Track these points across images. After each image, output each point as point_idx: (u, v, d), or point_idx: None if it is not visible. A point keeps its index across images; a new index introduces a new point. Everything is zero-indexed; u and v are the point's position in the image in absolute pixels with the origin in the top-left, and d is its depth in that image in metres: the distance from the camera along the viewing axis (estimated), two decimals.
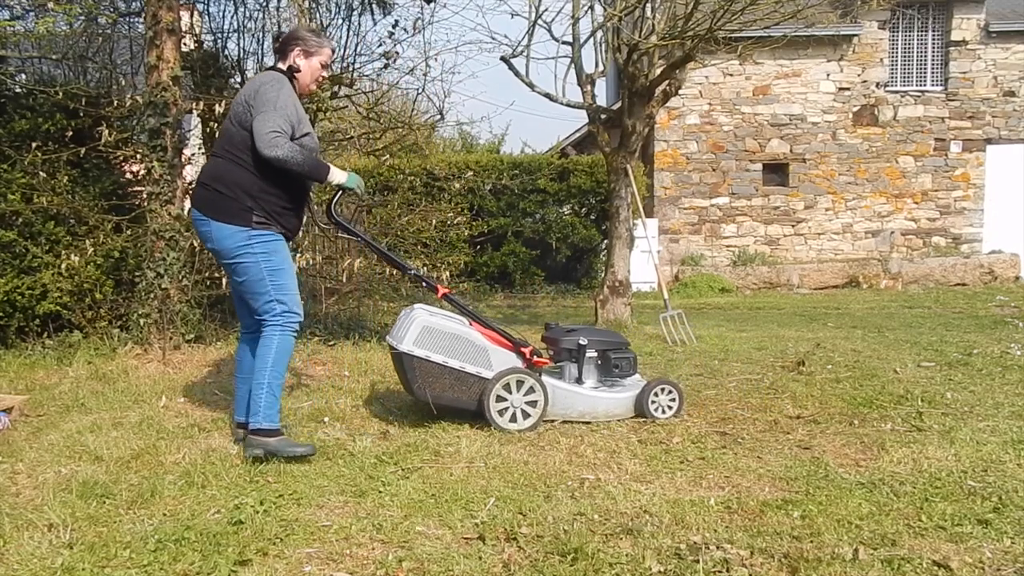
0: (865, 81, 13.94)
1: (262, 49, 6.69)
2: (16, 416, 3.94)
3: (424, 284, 3.83)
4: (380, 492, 2.80)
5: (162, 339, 5.18)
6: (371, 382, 4.60)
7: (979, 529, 2.43)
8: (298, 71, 3.31)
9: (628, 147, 7.43)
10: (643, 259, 10.63)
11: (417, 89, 6.92)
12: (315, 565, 2.24)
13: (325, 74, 3.47)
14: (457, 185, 10.58)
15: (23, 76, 6.59)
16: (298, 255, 6.30)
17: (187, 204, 5.98)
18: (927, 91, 14.05)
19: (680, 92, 8.30)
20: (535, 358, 3.74)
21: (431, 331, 3.54)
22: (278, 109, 3.10)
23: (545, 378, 3.70)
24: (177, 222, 5.41)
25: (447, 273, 6.79)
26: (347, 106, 7.00)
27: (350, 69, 6.50)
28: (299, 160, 3.12)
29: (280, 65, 3.35)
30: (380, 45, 6.61)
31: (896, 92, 14.03)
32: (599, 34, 7.63)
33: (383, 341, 5.47)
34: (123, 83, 6.64)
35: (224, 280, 5.74)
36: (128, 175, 6.36)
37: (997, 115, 14.02)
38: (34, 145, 5.54)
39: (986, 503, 2.63)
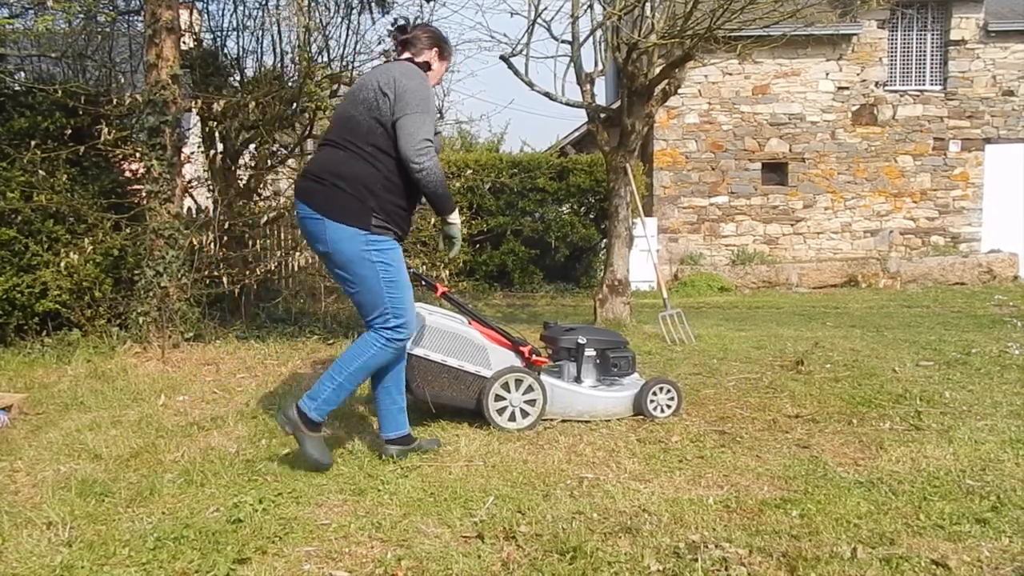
0: (864, 80, 13.94)
1: (261, 47, 6.70)
2: (15, 414, 3.94)
3: (423, 283, 3.83)
4: (379, 490, 2.80)
5: (161, 337, 5.18)
6: (370, 381, 4.59)
7: (977, 528, 2.43)
8: (429, 71, 3.12)
9: (627, 146, 7.42)
10: (642, 258, 10.63)
11: None
12: (314, 563, 2.24)
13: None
14: (456, 184, 10.57)
15: (22, 74, 6.59)
16: (298, 253, 6.32)
17: (187, 202, 5.99)
18: (926, 90, 14.06)
19: (679, 91, 8.30)
20: (534, 357, 3.74)
21: (430, 330, 3.54)
22: (429, 113, 2.91)
23: (544, 377, 3.70)
24: (176, 220, 5.41)
25: (446, 272, 6.79)
26: None
27: (349, 68, 6.49)
28: (437, 181, 2.94)
29: (417, 60, 3.11)
30: (379, 44, 6.61)
31: (895, 91, 14.03)
32: (598, 33, 7.63)
33: None
34: (122, 81, 6.64)
35: (224, 279, 5.74)
36: (127, 173, 6.36)
37: (996, 114, 14.03)
38: (33, 143, 5.54)
39: (984, 502, 2.63)
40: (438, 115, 7.71)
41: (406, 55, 3.14)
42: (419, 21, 3.36)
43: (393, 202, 2.96)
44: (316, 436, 3.01)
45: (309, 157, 3.15)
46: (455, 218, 3.14)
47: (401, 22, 3.22)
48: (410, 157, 2.88)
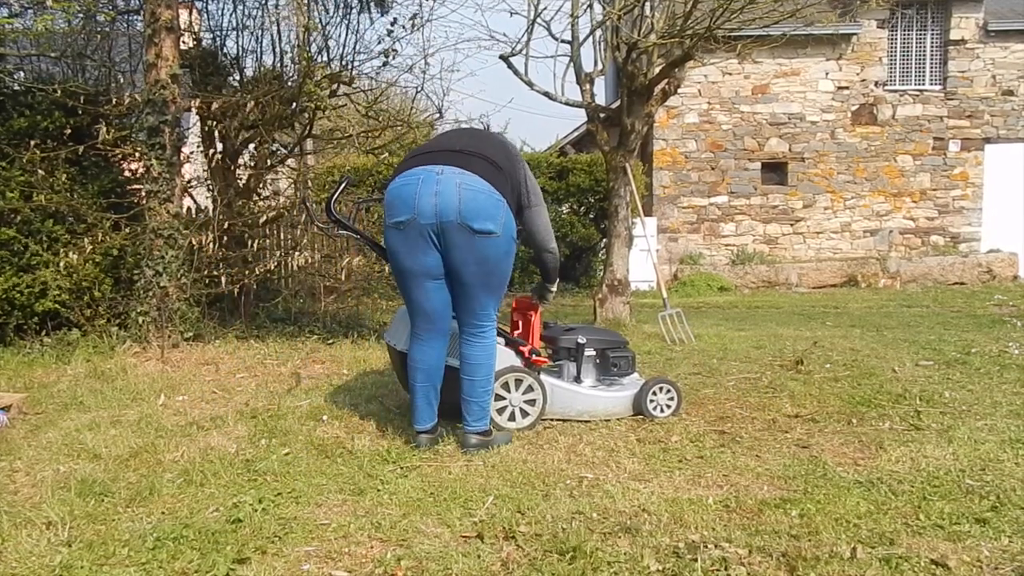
0: (864, 80, 13.95)
1: (260, 47, 6.68)
2: (15, 414, 3.94)
3: None
4: (379, 490, 2.80)
5: (161, 337, 5.18)
6: (370, 380, 4.60)
7: (977, 528, 2.43)
8: None
9: (627, 146, 7.42)
10: (642, 258, 10.63)
11: (416, 87, 6.94)
12: (314, 563, 2.24)
13: None
14: None
15: (22, 74, 6.58)
16: (297, 253, 6.31)
17: (186, 202, 5.99)
18: (926, 90, 14.06)
19: (679, 91, 8.30)
20: (534, 357, 3.74)
21: None
22: None
23: (544, 377, 3.69)
24: (176, 220, 5.41)
25: None
26: (346, 104, 6.99)
27: (349, 67, 6.49)
28: (557, 261, 3.54)
29: None
30: (379, 43, 6.61)
31: (895, 91, 14.03)
32: (598, 32, 7.63)
33: (382, 339, 5.47)
34: (122, 81, 6.63)
35: (224, 279, 5.74)
36: (127, 173, 6.36)
37: (996, 114, 14.03)
38: (33, 143, 5.53)
39: (984, 502, 2.63)
40: (437, 115, 7.75)
41: None
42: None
43: None
44: (495, 433, 3.34)
45: (450, 136, 3.47)
46: (555, 287, 3.73)
47: (462, 118, 3.66)
48: (546, 244, 3.40)
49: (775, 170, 14.18)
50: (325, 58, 6.39)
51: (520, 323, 3.90)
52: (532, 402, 3.62)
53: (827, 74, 13.91)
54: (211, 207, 6.37)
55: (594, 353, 3.88)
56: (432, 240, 3.08)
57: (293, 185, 7.71)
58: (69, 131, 5.86)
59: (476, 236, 3.02)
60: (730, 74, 13.89)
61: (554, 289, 3.75)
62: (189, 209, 6.16)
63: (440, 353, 3.30)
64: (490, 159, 3.15)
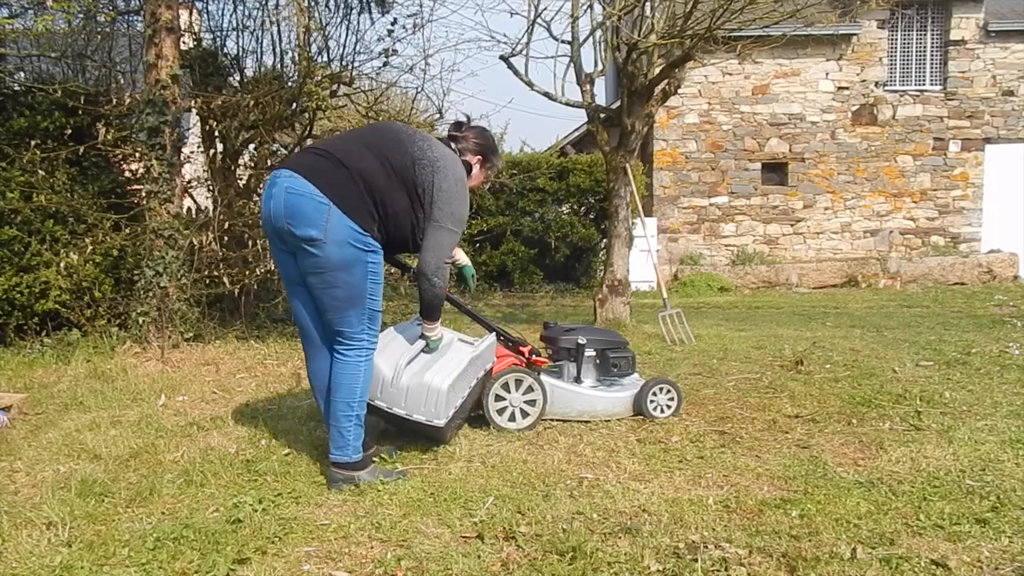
0: (864, 80, 13.95)
1: (261, 47, 6.69)
2: (15, 414, 3.94)
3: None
4: (379, 491, 2.80)
5: (161, 338, 5.18)
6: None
7: (977, 528, 2.43)
8: (468, 173, 3.11)
9: (627, 146, 7.42)
10: (642, 258, 10.63)
11: (416, 87, 6.95)
12: (314, 564, 2.24)
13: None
14: None
15: (22, 74, 6.59)
16: None
17: (187, 202, 5.99)
18: (926, 90, 14.06)
19: (679, 91, 8.29)
20: (534, 357, 3.74)
21: (454, 385, 3.20)
22: (460, 226, 2.92)
23: (544, 377, 3.69)
24: (176, 220, 5.41)
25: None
26: (346, 104, 7.00)
27: (349, 67, 6.49)
28: (439, 297, 3.00)
29: (461, 159, 3.08)
30: (379, 43, 6.61)
31: (895, 91, 14.03)
32: (598, 33, 7.62)
33: None
34: (122, 81, 6.65)
35: (224, 279, 5.74)
36: (127, 173, 6.36)
37: (996, 114, 14.03)
38: (33, 143, 5.54)
39: (984, 502, 2.63)
40: (438, 115, 7.75)
41: (452, 147, 3.12)
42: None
43: (384, 234, 2.91)
44: (369, 468, 2.94)
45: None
46: (434, 331, 3.18)
47: (461, 118, 3.26)
48: (429, 271, 2.91)
49: (775, 170, 14.18)
50: (325, 58, 6.40)
51: None
52: (532, 402, 3.62)
53: (827, 74, 13.91)
54: (211, 207, 6.37)
55: (594, 353, 3.88)
56: (280, 245, 2.90)
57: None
58: (69, 131, 5.87)
59: (302, 243, 2.78)
60: (730, 74, 13.89)
61: (432, 333, 3.18)
62: (189, 209, 6.16)
63: (327, 369, 3.01)
64: (334, 157, 2.83)
